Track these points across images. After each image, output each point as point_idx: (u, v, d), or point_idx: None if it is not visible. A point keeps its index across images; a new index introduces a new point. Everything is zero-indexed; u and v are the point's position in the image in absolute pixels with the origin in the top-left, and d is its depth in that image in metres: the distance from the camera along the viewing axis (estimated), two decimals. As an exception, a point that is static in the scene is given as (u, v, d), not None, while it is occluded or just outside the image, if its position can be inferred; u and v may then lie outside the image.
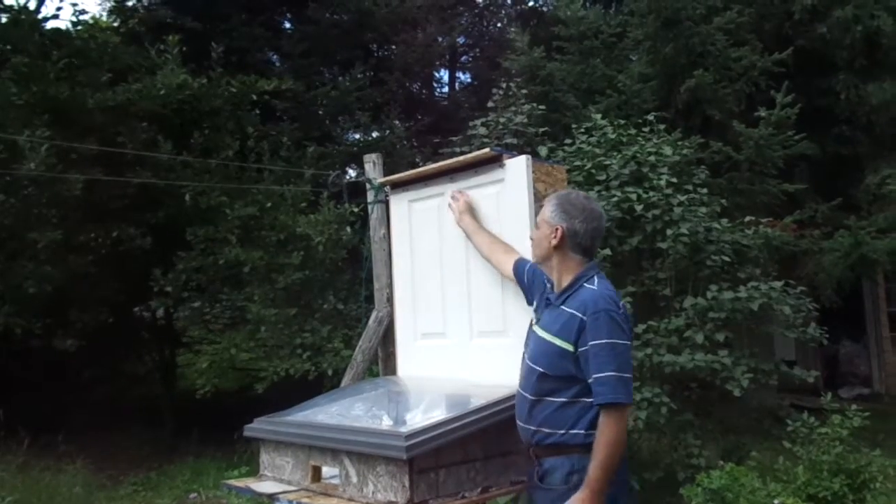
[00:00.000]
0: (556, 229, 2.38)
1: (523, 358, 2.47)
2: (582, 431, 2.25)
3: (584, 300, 2.29)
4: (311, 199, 7.28)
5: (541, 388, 2.32)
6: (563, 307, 2.33)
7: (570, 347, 2.26)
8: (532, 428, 2.34)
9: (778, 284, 5.19)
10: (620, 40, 8.98)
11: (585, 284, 2.34)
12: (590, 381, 2.21)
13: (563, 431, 2.27)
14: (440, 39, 12.35)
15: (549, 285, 2.50)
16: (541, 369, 2.32)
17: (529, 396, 2.35)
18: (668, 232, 5.17)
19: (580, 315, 2.26)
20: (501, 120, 6.51)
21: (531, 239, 2.54)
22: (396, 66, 11.19)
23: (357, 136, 10.37)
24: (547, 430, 2.30)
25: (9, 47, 7.17)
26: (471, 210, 2.91)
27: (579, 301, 2.30)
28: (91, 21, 8.34)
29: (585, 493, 2.17)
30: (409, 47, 11.38)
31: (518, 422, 2.42)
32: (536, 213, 2.77)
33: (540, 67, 8.85)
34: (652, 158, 5.56)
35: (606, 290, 2.32)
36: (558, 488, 2.27)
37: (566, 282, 2.38)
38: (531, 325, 2.49)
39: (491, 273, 2.88)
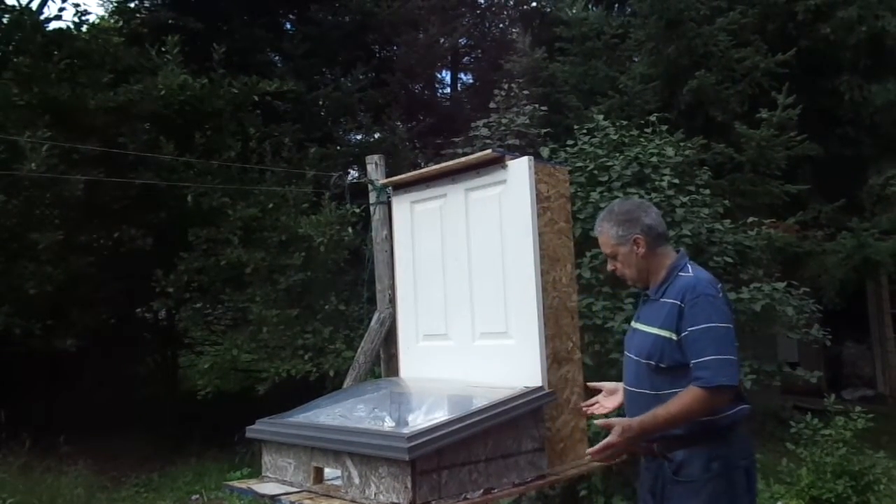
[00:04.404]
0: (634, 239, 2.41)
1: (627, 357, 2.48)
2: (712, 416, 2.24)
3: (682, 287, 2.33)
4: (313, 200, 7.27)
5: (657, 381, 2.32)
6: (662, 299, 2.37)
7: (673, 336, 2.29)
8: None
9: (781, 286, 5.17)
10: (622, 41, 8.96)
11: (680, 273, 2.38)
12: (691, 365, 2.23)
13: None
14: (442, 40, 12.31)
15: (640, 290, 2.53)
16: (652, 362, 2.33)
17: (648, 392, 2.34)
18: (671, 233, 5.15)
19: (678, 302, 2.30)
20: (503, 121, 6.51)
21: (616, 273, 2.50)
22: (398, 67, 11.16)
23: (359, 137, 10.37)
24: None
25: (11, 48, 7.17)
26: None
27: (677, 289, 2.33)
28: (96, 22, 8.35)
29: (631, 424, 2.20)
30: (410, 48, 11.36)
31: None
32: (539, 215, 2.77)
33: (542, 68, 8.86)
34: (654, 159, 5.54)
35: (703, 275, 2.37)
36: (699, 479, 2.25)
37: (661, 275, 2.41)
38: (631, 326, 2.53)
39: (493, 274, 2.87)
